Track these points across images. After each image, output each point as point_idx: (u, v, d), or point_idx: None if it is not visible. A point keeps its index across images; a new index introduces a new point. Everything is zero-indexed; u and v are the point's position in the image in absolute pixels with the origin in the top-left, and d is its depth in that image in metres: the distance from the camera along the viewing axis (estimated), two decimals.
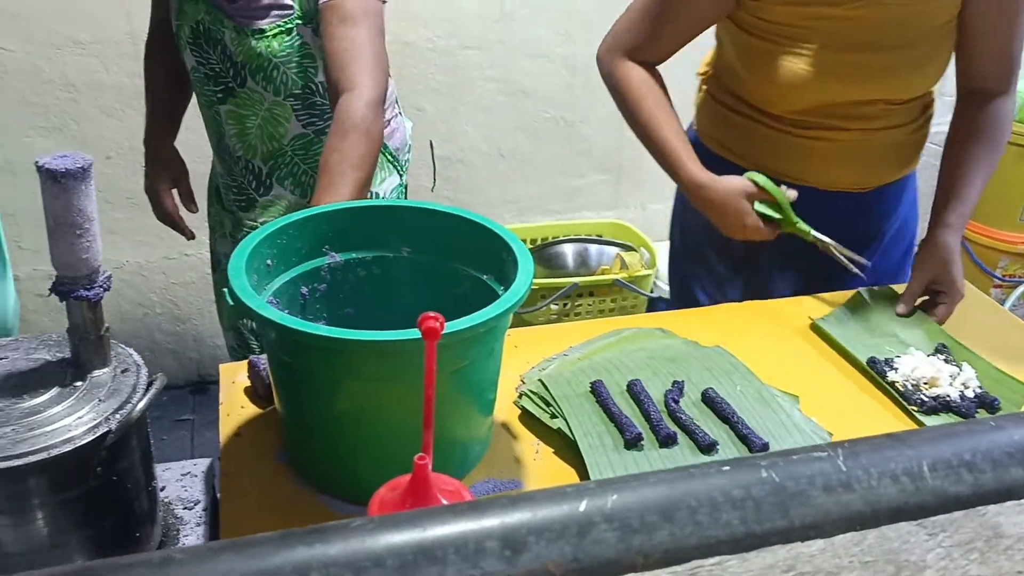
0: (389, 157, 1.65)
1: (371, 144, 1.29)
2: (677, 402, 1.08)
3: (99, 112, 2.29)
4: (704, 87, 1.50)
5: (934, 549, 0.46)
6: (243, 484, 0.99)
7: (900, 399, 1.16)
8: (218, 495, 1.19)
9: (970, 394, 1.16)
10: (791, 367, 1.23)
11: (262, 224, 1.54)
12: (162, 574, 0.39)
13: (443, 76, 2.53)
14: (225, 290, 0.89)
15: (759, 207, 1.32)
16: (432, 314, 0.62)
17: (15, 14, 2.14)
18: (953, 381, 1.17)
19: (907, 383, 1.17)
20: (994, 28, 1.30)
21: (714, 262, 1.53)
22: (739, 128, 1.42)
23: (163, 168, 1.68)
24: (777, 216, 1.32)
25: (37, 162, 0.88)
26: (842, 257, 1.35)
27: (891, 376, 1.19)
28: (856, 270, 1.36)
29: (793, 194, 1.32)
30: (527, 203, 2.76)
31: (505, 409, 1.11)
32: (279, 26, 1.42)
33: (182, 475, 1.19)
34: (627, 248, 2.57)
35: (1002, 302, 2.33)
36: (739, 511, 0.44)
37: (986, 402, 1.15)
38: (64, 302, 0.95)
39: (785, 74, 1.30)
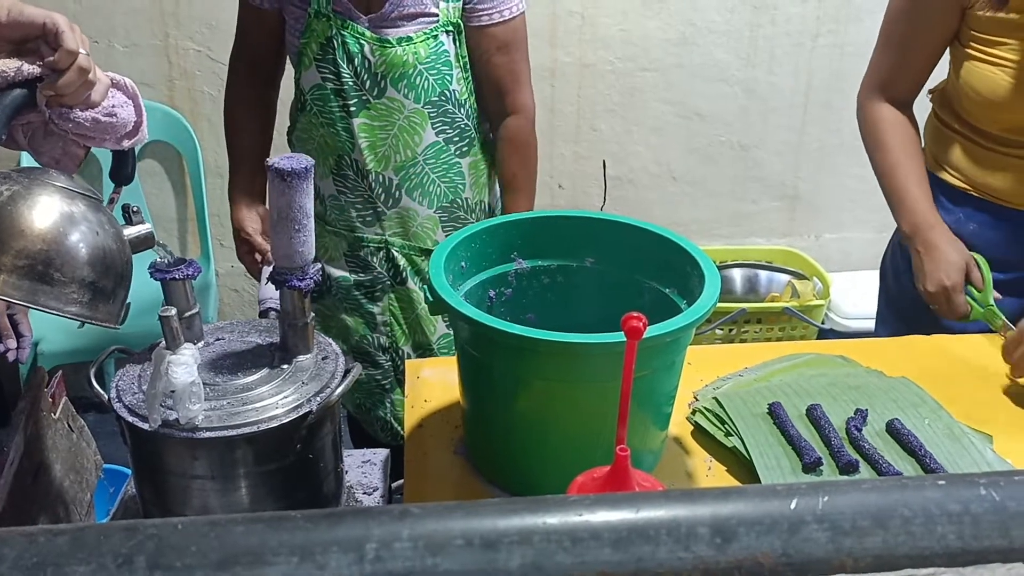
0: None
1: (536, 159, 1.63)
2: (860, 430, 1.05)
3: None
4: (932, 105, 1.50)
5: None
6: (425, 472, 1.04)
7: None
8: (392, 485, 1.25)
9: None
10: (985, 404, 1.17)
11: (390, 237, 1.63)
12: (400, 523, 0.43)
13: (619, 97, 2.56)
14: (424, 287, 0.94)
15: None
16: (636, 314, 0.64)
17: (213, 26, 2.34)
18: None
19: None
20: None
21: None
22: (956, 145, 1.41)
23: (252, 222, 1.61)
24: (977, 295, 1.33)
25: (267, 162, 0.97)
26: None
27: None
28: None
29: (998, 296, 1.33)
30: (695, 226, 2.74)
31: (678, 424, 1.11)
32: (426, 32, 1.49)
33: (363, 462, 1.26)
34: (799, 276, 2.50)
35: None
36: (955, 525, 0.44)
37: None
38: (278, 290, 1.04)
39: (999, 90, 1.28)
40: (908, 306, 1.47)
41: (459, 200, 1.63)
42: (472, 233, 1.06)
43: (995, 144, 1.35)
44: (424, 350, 1.69)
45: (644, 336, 0.83)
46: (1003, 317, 1.30)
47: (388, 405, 1.74)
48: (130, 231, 0.93)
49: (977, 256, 1.35)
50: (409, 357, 1.67)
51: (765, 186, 2.71)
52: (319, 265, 1.04)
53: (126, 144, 0.95)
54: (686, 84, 2.57)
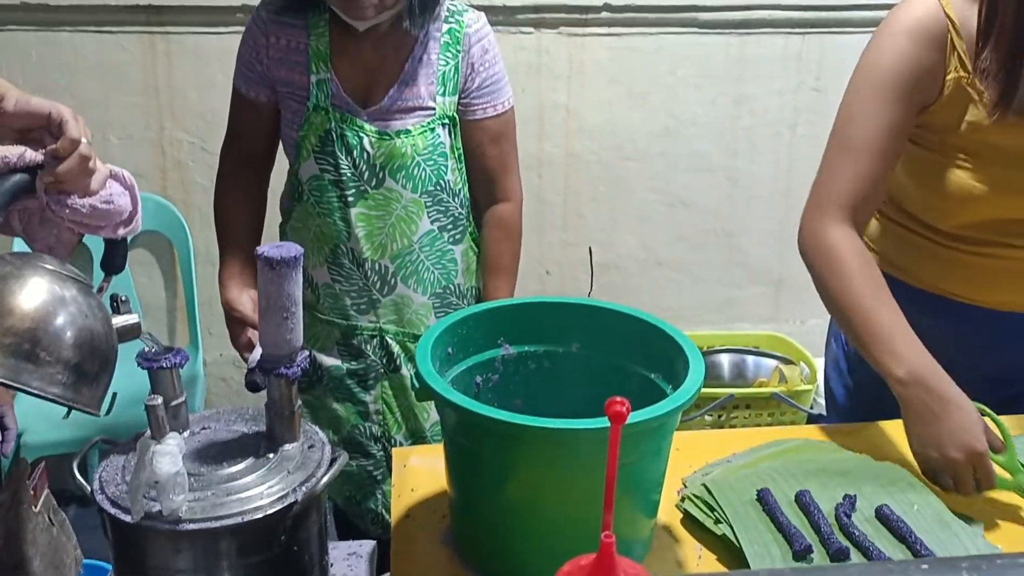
0: None
1: (521, 244, 1.68)
2: (849, 516, 1.04)
3: None
4: None
5: None
6: (411, 563, 1.03)
7: None
8: None
9: None
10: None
11: (384, 325, 1.63)
12: None
13: (604, 186, 2.62)
14: (412, 374, 0.95)
15: None
16: (619, 398, 0.65)
17: (208, 119, 2.40)
18: None
19: None
20: None
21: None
22: (905, 242, 1.37)
23: (243, 303, 1.59)
24: (997, 459, 1.12)
25: (257, 250, 0.99)
26: None
27: None
28: None
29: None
30: (682, 312, 2.77)
31: (667, 512, 1.10)
32: (423, 125, 1.53)
33: (348, 555, 1.23)
34: (786, 361, 2.52)
35: None
36: None
37: None
38: (265, 379, 1.05)
39: (955, 189, 1.25)
40: (874, 394, 1.32)
41: (452, 286, 1.65)
42: (459, 319, 1.07)
43: (949, 241, 1.31)
44: (417, 438, 1.68)
45: (629, 421, 0.84)
46: None
47: (380, 496, 1.72)
48: (117, 320, 0.94)
49: (984, 408, 1.16)
50: (401, 445, 1.66)
51: (750, 272, 2.75)
52: (307, 353, 1.04)
53: (121, 232, 0.97)
54: (670, 173, 2.63)
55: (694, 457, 1.21)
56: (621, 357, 1.09)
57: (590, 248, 2.65)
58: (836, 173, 1.26)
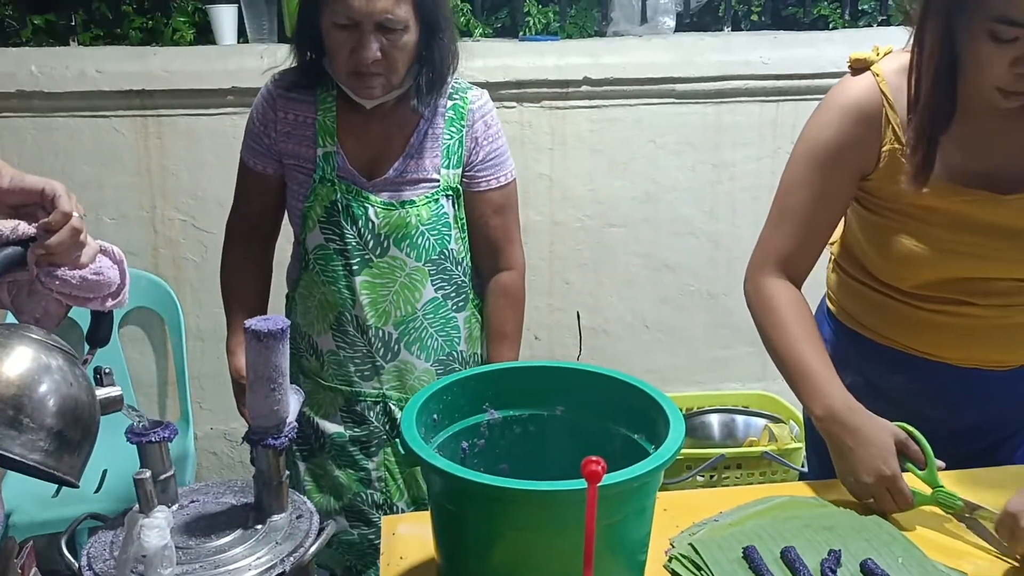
0: None
1: (524, 311, 1.72)
2: (834, 572, 1.05)
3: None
4: (833, 258, 1.50)
5: None
6: None
7: None
8: None
9: None
10: (957, 538, 1.17)
11: (388, 391, 1.65)
12: None
13: (590, 252, 2.66)
14: (398, 440, 0.97)
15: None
16: (595, 458, 0.67)
17: (221, 204, 2.45)
18: None
19: None
20: None
21: None
22: (869, 301, 1.40)
23: None
24: (919, 474, 1.21)
25: (245, 323, 1.01)
26: (994, 532, 1.13)
27: None
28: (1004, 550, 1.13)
29: (941, 464, 1.22)
30: (670, 373, 2.78)
31: (655, 573, 1.11)
32: (427, 196, 1.58)
33: None
34: (775, 420, 2.52)
35: None
36: None
37: None
38: (252, 450, 1.06)
39: (902, 250, 1.29)
40: None
41: (454, 353, 1.67)
42: (444, 385, 1.09)
43: (911, 300, 1.34)
44: (420, 505, 1.69)
45: (611, 482, 0.86)
46: (961, 497, 1.17)
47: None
48: (100, 392, 0.95)
49: (906, 426, 1.23)
50: (403, 513, 1.66)
51: (737, 332, 2.77)
52: (294, 424, 1.06)
53: (109, 304, 0.99)
54: (653, 238, 2.68)
55: (681, 517, 1.22)
56: (604, 419, 1.11)
57: (578, 313, 2.68)
58: (774, 235, 1.37)
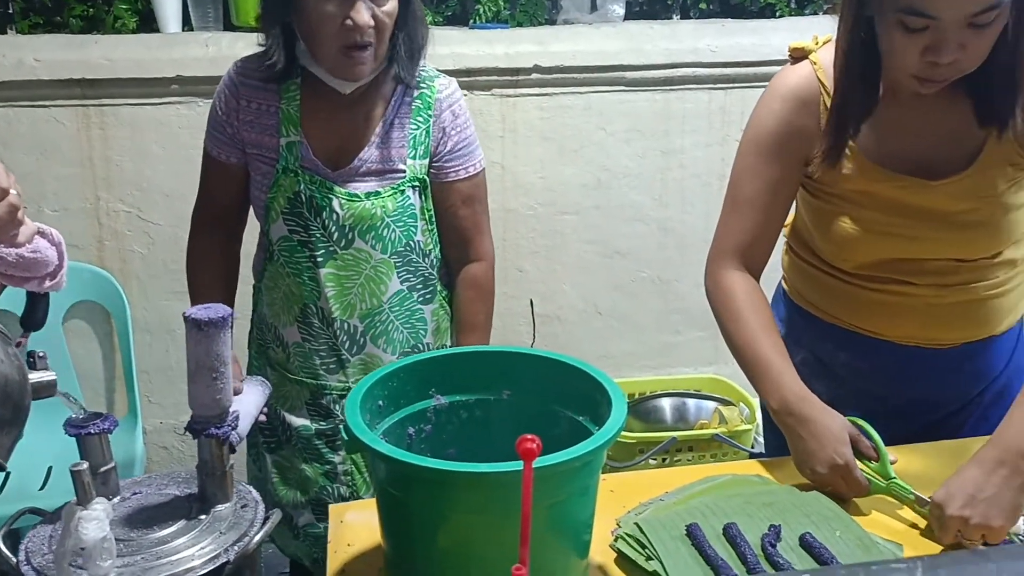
0: None
1: (494, 302, 1.72)
2: (774, 546, 1.07)
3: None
4: (786, 240, 1.54)
5: None
6: None
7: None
8: None
9: None
10: (893, 514, 1.21)
11: (354, 384, 1.63)
12: None
13: (543, 239, 2.67)
14: (341, 426, 0.96)
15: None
16: (529, 436, 0.67)
17: (167, 194, 2.42)
18: None
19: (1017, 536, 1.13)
20: None
21: None
22: (816, 281, 1.44)
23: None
24: (872, 467, 1.23)
25: (184, 313, 1.00)
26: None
27: None
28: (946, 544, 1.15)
29: (894, 457, 1.24)
30: (623, 359, 2.81)
31: (601, 552, 1.12)
32: (393, 187, 1.56)
33: None
34: (726, 403, 2.56)
35: None
36: None
37: None
38: (196, 440, 1.05)
39: (842, 232, 1.33)
40: None
41: (420, 346, 1.67)
42: (390, 372, 1.09)
43: (854, 280, 1.38)
44: None
45: (553, 462, 0.87)
46: (912, 490, 1.20)
47: None
48: (34, 376, 0.93)
49: (858, 421, 1.26)
50: None
51: (688, 317, 2.81)
52: (237, 413, 1.05)
53: (46, 286, 0.97)
54: (605, 224, 2.70)
55: (628, 498, 1.23)
56: (550, 402, 1.12)
57: (531, 300, 2.69)
58: (729, 226, 1.40)
